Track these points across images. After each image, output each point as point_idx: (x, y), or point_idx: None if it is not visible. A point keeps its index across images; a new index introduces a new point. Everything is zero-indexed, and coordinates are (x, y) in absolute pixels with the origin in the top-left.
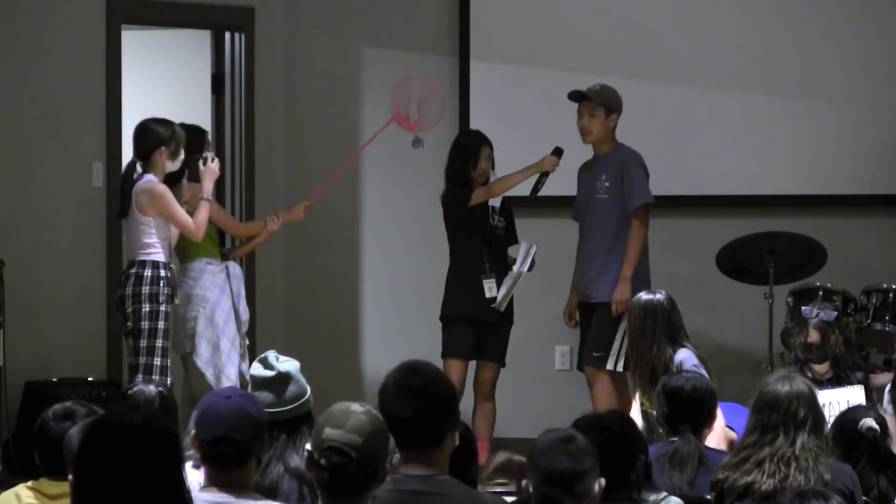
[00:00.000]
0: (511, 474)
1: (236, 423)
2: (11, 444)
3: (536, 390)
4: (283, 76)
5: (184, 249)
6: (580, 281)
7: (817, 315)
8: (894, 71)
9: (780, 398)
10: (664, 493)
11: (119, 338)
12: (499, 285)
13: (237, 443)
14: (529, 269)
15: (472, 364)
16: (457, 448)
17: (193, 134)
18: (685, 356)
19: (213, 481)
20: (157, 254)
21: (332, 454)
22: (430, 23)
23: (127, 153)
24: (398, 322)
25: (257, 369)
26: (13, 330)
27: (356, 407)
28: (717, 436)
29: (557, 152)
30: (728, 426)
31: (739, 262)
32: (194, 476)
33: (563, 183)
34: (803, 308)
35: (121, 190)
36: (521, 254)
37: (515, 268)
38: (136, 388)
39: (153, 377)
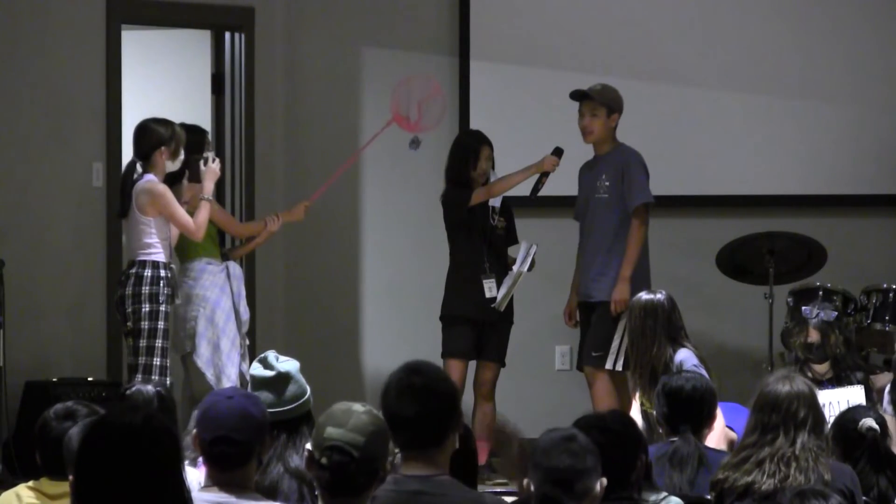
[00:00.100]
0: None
1: (237, 423)
2: (11, 444)
3: (536, 390)
4: (283, 76)
5: (184, 249)
6: (580, 281)
7: (817, 315)
8: (894, 71)
9: (781, 398)
10: (664, 493)
11: (119, 338)
12: (499, 285)
13: (238, 443)
14: (529, 269)
15: (472, 364)
16: (457, 448)
17: (194, 134)
18: (685, 356)
19: (214, 481)
20: (158, 254)
21: (333, 453)
22: (430, 23)
23: (127, 153)
24: (398, 322)
25: (257, 369)
26: (13, 330)
27: (358, 407)
28: (717, 436)
29: (557, 152)
30: (728, 426)
31: (739, 262)
32: (194, 475)
33: (563, 183)
34: (803, 308)
35: (121, 190)
36: (521, 254)
37: (515, 268)
38: (134, 388)
39: (153, 377)
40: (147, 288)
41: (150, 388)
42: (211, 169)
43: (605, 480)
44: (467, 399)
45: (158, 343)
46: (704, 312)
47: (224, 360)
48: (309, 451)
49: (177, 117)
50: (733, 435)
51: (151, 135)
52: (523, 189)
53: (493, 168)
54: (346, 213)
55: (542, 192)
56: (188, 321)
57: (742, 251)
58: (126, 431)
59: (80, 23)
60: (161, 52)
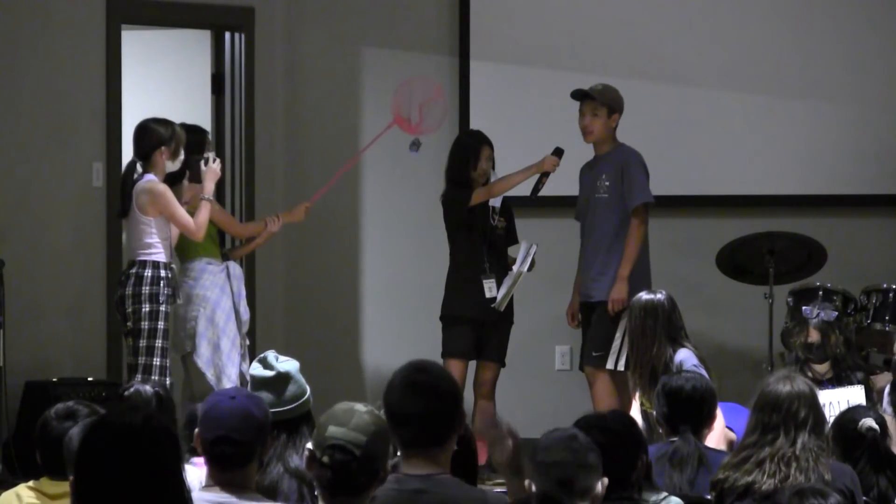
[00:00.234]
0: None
1: (238, 423)
2: (11, 444)
3: (536, 390)
4: (283, 76)
5: (184, 249)
6: (581, 281)
7: (818, 315)
8: (894, 71)
9: (781, 398)
10: (664, 493)
11: (119, 338)
12: (499, 285)
13: (238, 443)
14: (529, 269)
15: (472, 364)
16: (457, 448)
17: (194, 134)
18: (685, 356)
19: (215, 481)
20: (158, 254)
21: (335, 452)
22: (430, 23)
23: (127, 153)
24: (398, 322)
25: (257, 369)
26: (13, 330)
27: (359, 406)
28: (717, 436)
29: (558, 152)
30: (728, 427)
31: (739, 262)
32: (195, 473)
33: (563, 183)
34: (804, 308)
35: (121, 190)
36: (521, 254)
37: (515, 268)
38: (133, 389)
39: (152, 377)
40: (147, 288)
41: (148, 388)
42: (211, 169)
43: (606, 480)
44: (467, 399)
45: (158, 343)
46: (704, 312)
47: (224, 360)
48: (310, 450)
49: (177, 117)
50: (732, 435)
51: (151, 135)
52: (523, 189)
53: (493, 168)
54: (347, 214)
55: (543, 193)
56: (188, 321)
57: (742, 251)
58: (126, 431)
59: (80, 23)
60: (161, 52)
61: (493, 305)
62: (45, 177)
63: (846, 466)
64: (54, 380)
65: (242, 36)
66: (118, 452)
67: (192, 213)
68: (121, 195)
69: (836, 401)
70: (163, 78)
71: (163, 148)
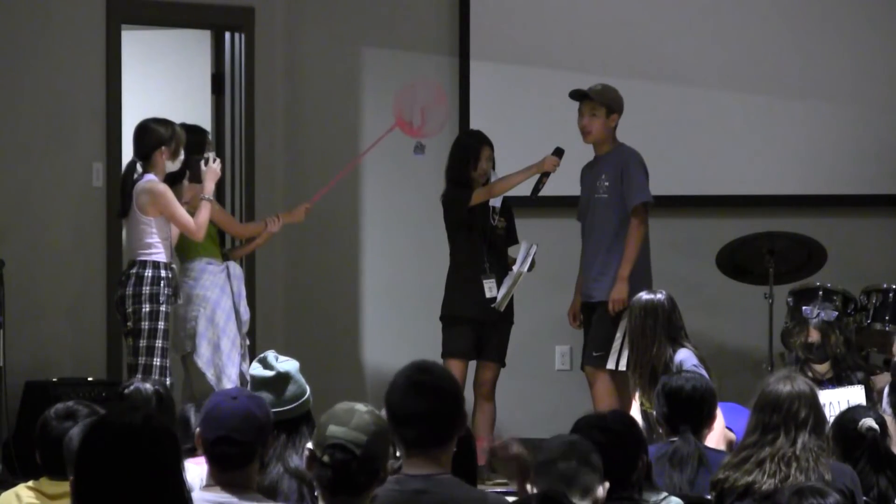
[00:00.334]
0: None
1: (239, 423)
2: (11, 444)
3: (536, 390)
4: (283, 76)
5: (184, 249)
6: (582, 281)
7: (818, 315)
8: (894, 71)
9: (782, 398)
10: (664, 494)
11: (119, 338)
12: (499, 285)
13: (239, 443)
14: (529, 270)
15: (472, 364)
16: (456, 448)
17: (194, 134)
18: (685, 356)
19: (216, 480)
20: (159, 254)
21: (335, 451)
22: (430, 23)
23: (127, 153)
24: (398, 322)
25: (257, 369)
26: (13, 330)
27: (360, 406)
28: (717, 436)
29: (558, 152)
30: (727, 427)
31: (739, 262)
32: (197, 471)
33: (563, 183)
34: (804, 308)
35: (121, 190)
36: (521, 254)
37: (515, 268)
38: (132, 387)
39: (152, 377)
40: (148, 288)
41: (148, 386)
42: (212, 169)
43: (607, 484)
44: (467, 399)
45: (158, 343)
46: (704, 312)
47: (224, 360)
48: (310, 450)
49: (177, 117)
50: (732, 436)
51: (151, 135)
52: (524, 189)
53: (493, 168)
54: (347, 214)
55: (543, 193)
56: (188, 321)
57: (742, 251)
58: (126, 431)
59: (80, 23)
60: (161, 52)
61: (493, 305)
62: (45, 177)
63: (846, 466)
64: (54, 380)
65: (242, 36)
66: (118, 452)
67: (192, 213)
68: (121, 195)
69: (837, 401)
70: (163, 78)
71: (163, 148)
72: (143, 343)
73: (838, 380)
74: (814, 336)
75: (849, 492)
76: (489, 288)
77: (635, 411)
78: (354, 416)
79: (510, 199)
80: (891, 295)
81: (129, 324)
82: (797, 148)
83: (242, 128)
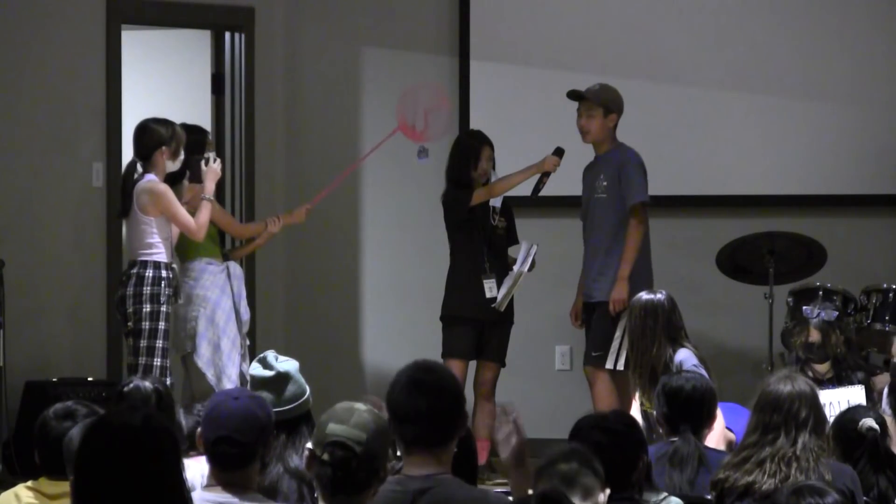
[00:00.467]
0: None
1: (240, 424)
2: (11, 444)
3: (536, 390)
4: (283, 76)
5: (184, 249)
6: (583, 281)
7: (818, 315)
8: (894, 71)
9: (782, 398)
10: (664, 494)
11: (119, 338)
12: (499, 285)
13: (240, 444)
14: (530, 269)
15: (472, 364)
16: (457, 448)
17: (194, 134)
18: (685, 356)
19: (217, 480)
20: (159, 254)
21: (335, 449)
22: (430, 23)
23: (127, 153)
24: (398, 322)
25: (256, 369)
26: (13, 330)
27: (360, 405)
28: (717, 436)
29: (558, 152)
30: (727, 427)
31: (739, 262)
32: (198, 468)
33: (563, 183)
34: (804, 308)
35: (122, 190)
36: (521, 254)
37: (516, 268)
38: (132, 385)
39: (152, 376)
40: (148, 288)
41: (147, 384)
42: (212, 169)
43: (608, 491)
44: (467, 399)
45: (159, 343)
46: (704, 312)
47: (224, 360)
48: (309, 449)
49: (177, 117)
50: (732, 436)
51: (152, 135)
52: (524, 189)
53: (493, 168)
54: (347, 214)
55: (543, 193)
56: (188, 321)
57: (742, 251)
58: (125, 431)
59: (80, 23)
60: (161, 52)
61: (493, 305)
62: (46, 177)
63: (846, 466)
64: (54, 380)
65: (242, 36)
66: (118, 452)
67: (192, 213)
68: (121, 195)
69: (837, 401)
70: (163, 78)
71: (163, 148)
72: (143, 343)
73: (839, 380)
74: (814, 336)
75: (849, 492)
76: (489, 288)
77: (635, 411)
78: (354, 414)
79: (510, 199)
80: (891, 295)
81: (130, 324)
82: (797, 148)
83: (242, 128)
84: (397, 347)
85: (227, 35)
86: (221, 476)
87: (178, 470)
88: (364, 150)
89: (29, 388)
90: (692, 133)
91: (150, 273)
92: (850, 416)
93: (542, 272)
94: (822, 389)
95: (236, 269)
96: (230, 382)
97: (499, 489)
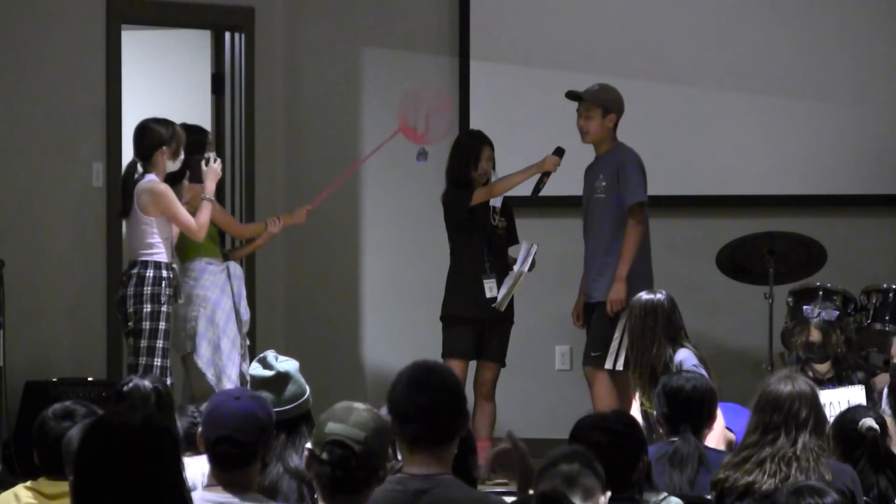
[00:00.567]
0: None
1: (241, 424)
2: (11, 444)
3: (536, 390)
4: (283, 76)
5: (184, 249)
6: (583, 281)
7: (819, 314)
8: (894, 71)
9: (783, 398)
10: (664, 494)
11: (119, 338)
12: (499, 285)
13: (241, 444)
14: (530, 269)
15: (472, 364)
16: (457, 448)
17: (194, 134)
18: (685, 356)
19: (217, 480)
20: (160, 254)
21: (334, 447)
22: (430, 23)
23: (127, 153)
24: (398, 322)
25: (256, 369)
26: (13, 330)
27: (359, 405)
28: (717, 436)
29: (559, 152)
30: (727, 428)
31: (739, 262)
32: (198, 466)
33: (563, 183)
34: (805, 307)
35: (122, 190)
36: (521, 254)
37: (516, 268)
38: (131, 384)
39: (152, 375)
40: (149, 288)
41: (147, 383)
42: (212, 169)
43: (609, 494)
44: (467, 399)
45: (159, 344)
46: (704, 312)
47: (224, 360)
48: (309, 449)
49: (177, 117)
50: (732, 436)
51: (152, 135)
52: (524, 189)
53: (493, 168)
54: (347, 214)
55: (543, 193)
56: (188, 321)
57: (742, 251)
58: (125, 431)
59: (80, 23)
60: (161, 52)
61: (493, 305)
62: (46, 177)
63: (846, 466)
64: (54, 380)
65: (242, 36)
66: (118, 452)
67: (192, 213)
68: (122, 195)
69: (837, 401)
70: (163, 78)
71: (164, 148)
72: (143, 343)
73: (839, 380)
74: (815, 336)
75: (849, 492)
76: (489, 288)
77: (635, 411)
78: (353, 413)
79: (510, 199)
80: (891, 295)
81: (130, 324)
82: (797, 148)
83: (242, 128)
84: (397, 347)
85: (227, 35)
86: (222, 476)
87: (178, 470)
88: (364, 150)
89: (29, 388)
90: (692, 133)
91: (150, 273)
92: (850, 415)
93: (542, 272)
94: (823, 389)
95: (236, 269)
96: (230, 382)
97: (499, 489)
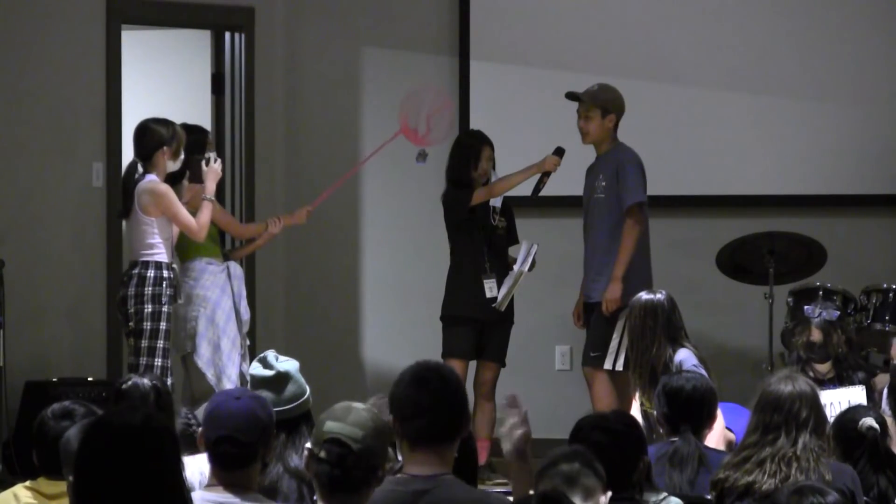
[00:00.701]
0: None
1: (242, 423)
2: (11, 444)
3: (536, 390)
4: (283, 76)
5: (184, 249)
6: (583, 281)
7: (820, 314)
8: (894, 71)
9: (783, 398)
10: (664, 494)
11: (119, 338)
12: (499, 285)
13: (242, 444)
14: (530, 269)
15: (473, 364)
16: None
17: (195, 134)
18: (685, 356)
19: (218, 480)
20: (161, 254)
21: (332, 446)
22: (430, 23)
23: (127, 153)
24: (398, 322)
25: (256, 369)
26: (13, 330)
27: (358, 405)
28: (717, 436)
29: (559, 152)
30: (727, 428)
31: (739, 262)
32: (198, 464)
33: (563, 183)
34: (806, 307)
35: (123, 190)
36: (521, 253)
37: (516, 267)
38: (130, 382)
39: (152, 374)
40: (150, 289)
41: (146, 381)
42: (213, 169)
43: (610, 494)
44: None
45: (160, 344)
46: (704, 312)
47: (224, 360)
48: (308, 449)
49: (177, 117)
50: (732, 436)
51: (152, 135)
52: (524, 189)
53: (493, 168)
54: (347, 213)
55: (543, 192)
56: (189, 321)
57: (742, 251)
58: (125, 432)
59: (80, 23)
60: (161, 52)
61: (493, 305)
62: (46, 177)
63: (846, 466)
64: (54, 380)
65: (242, 36)
66: (118, 453)
67: (192, 213)
68: (122, 196)
69: (838, 401)
70: (163, 78)
71: (164, 148)
72: (144, 343)
73: (839, 380)
74: (816, 335)
75: (849, 492)
76: (490, 288)
77: (635, 411)
78: (352, 412)
79: (510, 199)
80: (891, 295)
81: (131, 324)
82: (797, 148)
83: (242, 128)
84: (397, 347)
85: (227, 35)
86: (223, 476)
87: (178, 470)
88: (364, 150)
89: (29, 388)
90: (692, 133)
91: (151, 273)
92: (850, 415)
93: (542, 272)
94: (823, 389)
95: (236, 269)
96: (230, 382)
97: (499, 489)
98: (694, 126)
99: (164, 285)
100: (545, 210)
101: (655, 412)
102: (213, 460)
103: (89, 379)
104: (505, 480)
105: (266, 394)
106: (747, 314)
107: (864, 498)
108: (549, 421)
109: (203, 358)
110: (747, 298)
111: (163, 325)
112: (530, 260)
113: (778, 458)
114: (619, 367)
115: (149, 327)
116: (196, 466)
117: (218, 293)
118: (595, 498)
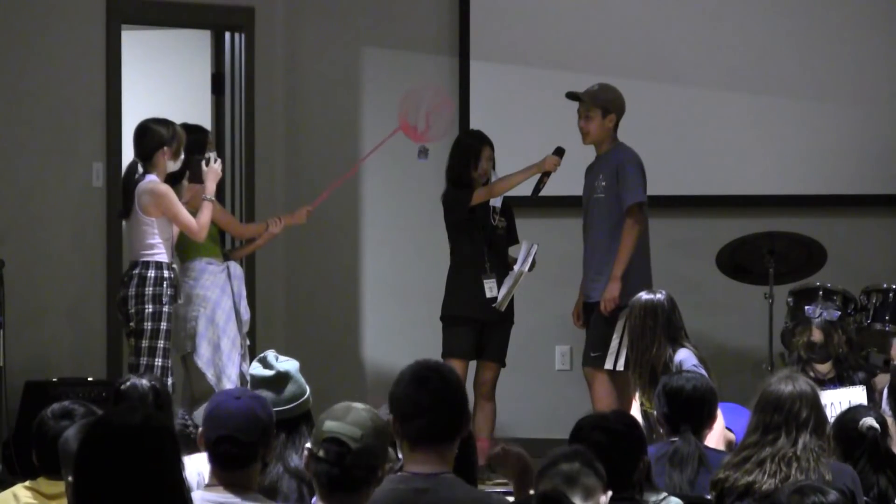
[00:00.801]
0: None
1: (242, 423)
2: (11, 444)
3: (536, 390)
4: (283, 76)
5: (184, 249)
6: (583, 281)
7: (821, 314)
8: (894, 71)
9: (783, 398)
10: (664, 494)
11: (119, 338)
12: (499, 285)
13: (242, 444)
14: (530, 269)
15: (473, 364)
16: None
17: (195, 133)
18: (685, 356)
19: (218, 480)
20: (161, 254)
21: (331, 444)
22: (430, 23)
23: (127, 153)
24: (399, 322)
25: (256, 369)
26: (13, 330)
27: (358, 405)
28: (717, 436)
29: (559, 152)
30: (727, 428)
31: (739, 262)
32: (197, 464)
33: (563, 183)
34: (806, 307)
35: (123, 190)
36: (521, 253)
37: (516, 267)
38: (129, 383)
39: (151, 374)
40: (150, 289)
41: (145, 381)
42: (213, 169)
43: (610, 493)
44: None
45: (160, 344)
46: (704, 312)
47: (224, 360)
48: (308, 448)
49: (177, 117)
50: (732, 436)
51: (153, 135)
52: (524, 189)
53: (493, 168)
54: (347, 214)
55: (543, 192)
56: (189, 321)
57: (742, 251)
58: (125, 432)
59: (80, 23)
60: (161, 52)
61: (493, 305)
62: (46, 177)
63: (846, 466)
64: (54, 380)
65: (242, 36)
66: (117, 453)
67: (192, 213)
68: (123, 196)
69: (838, 401)
70: (163, 78)
71: (164, 148)
72: (145, 343)
73: (840, 380)
74: (817, 335)
75: (849, 492)
76: (490, 288)
77: (635, 411)
78: (351, 412)
79: (510, 199)
80: (891, 295)
81: (132, 324)
82: (797, 148)
83: (242, 128)
84: (397, 347)
85: (227, 35)
86: (223, 476)
87: (178, 470)
88: (364, 150)
89: (29, 388)
90: (692, 133)
91: (151, 273)
92: (850, 415)
93: (542, 272)
94: (824, 389)
95: (236, 269)
96: (230, 382)
97: (499, 489)
98: (694, 126)
99: (164, 285)
100: (545, 210)
101: (655, 412)
102: (213, 460)
103: (89, 379)
104: (505, 480)
105: (266, 394)
106: (747, 314)
107: (864, 498)
108: (549, 421)
109: (203, 358)
110: (747, 298)
111: (163, 326)
112: (530, 260)
113: (778, 458)
114: (620, 367)
115: (149, 327)
116: (194, 466)
117: (218, 293)
118: (595, 498)
